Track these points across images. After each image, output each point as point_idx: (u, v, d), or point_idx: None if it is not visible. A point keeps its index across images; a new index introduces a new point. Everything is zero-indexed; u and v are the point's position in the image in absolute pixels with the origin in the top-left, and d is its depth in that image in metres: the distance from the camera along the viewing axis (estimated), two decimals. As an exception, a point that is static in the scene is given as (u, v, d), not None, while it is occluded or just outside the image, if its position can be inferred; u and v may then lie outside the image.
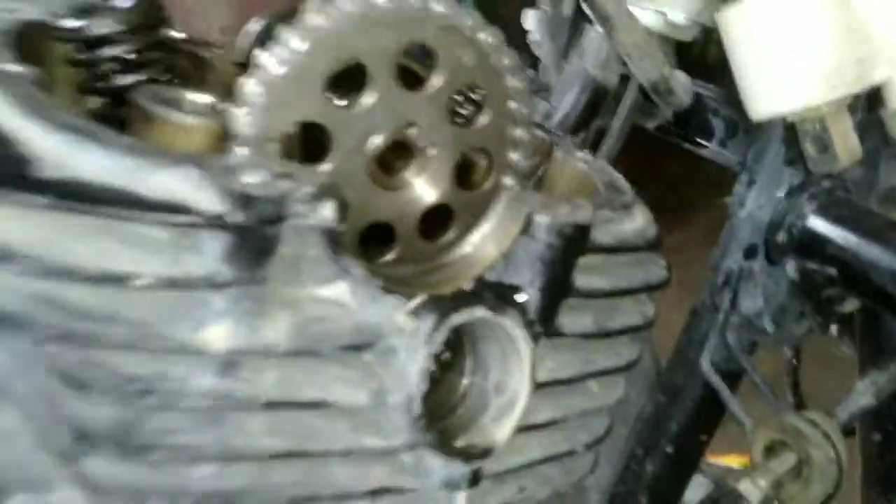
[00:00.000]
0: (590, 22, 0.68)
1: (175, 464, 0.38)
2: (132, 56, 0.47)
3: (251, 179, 0.33)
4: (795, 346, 0.70)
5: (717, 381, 0.63)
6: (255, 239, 0.33)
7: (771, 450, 0.58)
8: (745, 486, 0.57)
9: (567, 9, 0.72)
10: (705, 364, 0.63)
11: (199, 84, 0.50)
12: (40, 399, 0.38)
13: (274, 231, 0.34)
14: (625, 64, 0.64)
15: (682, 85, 0.56)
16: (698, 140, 0.73)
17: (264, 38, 0.51)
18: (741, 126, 0.68)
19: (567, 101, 0.74)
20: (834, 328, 0.81)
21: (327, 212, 0.35)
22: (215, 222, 0.32)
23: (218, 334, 0.35)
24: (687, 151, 0.76)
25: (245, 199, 0.32)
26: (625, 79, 0.72)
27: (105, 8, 0.47)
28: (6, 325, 0.35)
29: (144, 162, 0.32)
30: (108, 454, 0.38)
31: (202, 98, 0.44)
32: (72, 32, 0.46)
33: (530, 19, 0.81)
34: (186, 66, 0.52)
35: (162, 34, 0.49)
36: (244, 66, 0.50)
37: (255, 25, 0.54)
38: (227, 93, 0.46)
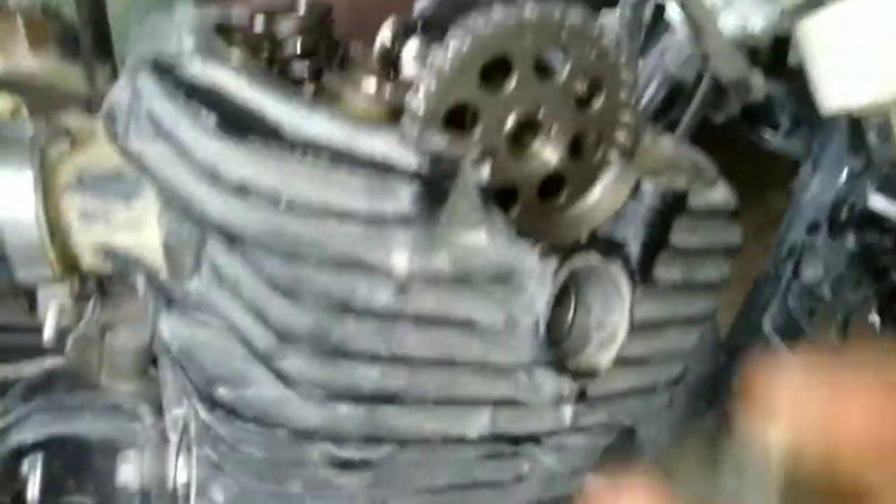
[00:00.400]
0: (669, 29, 0.78)
1: (352, 365, 0.49)
2: (306, 49, 0.57)
3: (436, 144, 0.44)
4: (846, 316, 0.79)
5: (777, 341, 0.72)
6: (435, 189, 0.44)
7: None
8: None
9: (647, 13, 0.82)
10: (767, 327, 0.72)
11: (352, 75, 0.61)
12: (249, 309, 0.50)
13: (448, 184, 0.44)
14: (703, 64, 0.73)
15: (759, 83, 0.64)
16: (764, 133, 0.82)
17: (399, 37, 0.61)
18: (804, 120, 0.76)
19: (646, 95, 0.83)
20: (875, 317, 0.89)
21: (484, 172, 0.46)
22: (409, 174, 0.43)
23: (401, 260, 0.45)
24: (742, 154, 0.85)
25: (434, 158, 0.43)
26: (699, 76, 0.81)
27: (287, 11, 0.58)
28: (241, 244, 0.46)
29: (358, 127, 0.43)
30: (302, 355, 0.49)
31: (370, 84, 0.54)
32: (261, 30, 0.57)
33: (607, 17, 0.91)
34: (341, 57, 0.62)
35: (329, 32, 0.59)
36: (383, 61, 0.61)
37: (388, 27, 0.64)
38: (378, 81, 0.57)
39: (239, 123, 0.43)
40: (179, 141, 0.45)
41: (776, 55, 0.72)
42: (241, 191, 0.43)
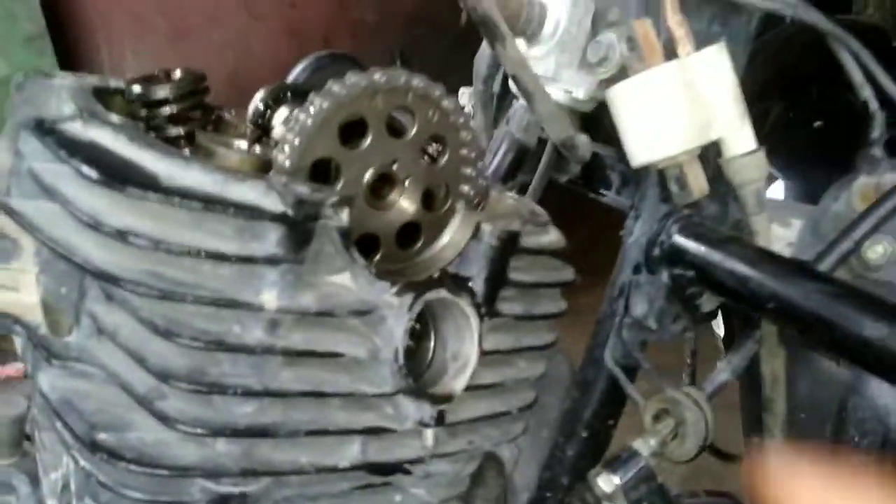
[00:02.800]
0: (515, 97, 0.89)
1: (229, 401, 0.53)
2: (179, 114, 0.63)
3: (300, 190, 0.50)
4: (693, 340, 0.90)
5: (618, 372, 0.80)
6: (300, 231, 0.50)
7: (657, 417, 0.75)
8: (637, 444, 0.74)
9: (496, 87, 0.92)
10: (608, 360, 0.81)
11: (225, 136, 0.67)
12: (128, 354, 0.53)
13: (311, 227, 0.50)
14: (542, 129, 0.84)
15: (584, 143, 0.75)
16: (600, 190, 0.93)
17: (270, 104, 0.68)
18: (629, 177, 0.88)
19: (496, 159, 0.93)
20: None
21: (344, 215, 0.52)
22: (276, 217, 0.49)
23: (270, 297, 0.50)
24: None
25: (298, 202, 0.49)
26: (542, 142, 0.92)
27: (163, 78, 0.63)
28: (120, 290, 0.50)
29: (228, 177, 0.49)
30: (180, 394, 0.52)
31: (241, 143, 0.60)
32: (137, 94, 0.62)
33: (465, 96, 1.02)
34: (214, 122, 0.68)
35: (202, 99, 0.65)
36: (255, 125, 0.67)
37: (260, 95, 0.71)
38: (249, 142, 0.63)
39: (118, 176, 0.47)
40: (62, 195, 0.49)
41: (603, 120, 0.83)
42: (122, 237, 0.47)
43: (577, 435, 0.87)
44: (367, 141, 0.56)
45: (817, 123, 1.13)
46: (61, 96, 0.55)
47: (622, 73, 0.71)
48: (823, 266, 0.66)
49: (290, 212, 0.49)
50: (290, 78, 0.89)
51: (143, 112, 0.62)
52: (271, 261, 0.50)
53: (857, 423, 0.88)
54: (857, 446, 0.87)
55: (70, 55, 2.06)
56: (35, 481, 0.72)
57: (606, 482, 0.73)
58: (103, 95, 0.60)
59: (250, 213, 0.48)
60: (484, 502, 0.83)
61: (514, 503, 0.96)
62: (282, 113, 0.65)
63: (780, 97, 1.12)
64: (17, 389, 0.77)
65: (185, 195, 0.47)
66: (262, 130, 0.66)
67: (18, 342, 0.61)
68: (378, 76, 0.55)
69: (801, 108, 1.11)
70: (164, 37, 2.07)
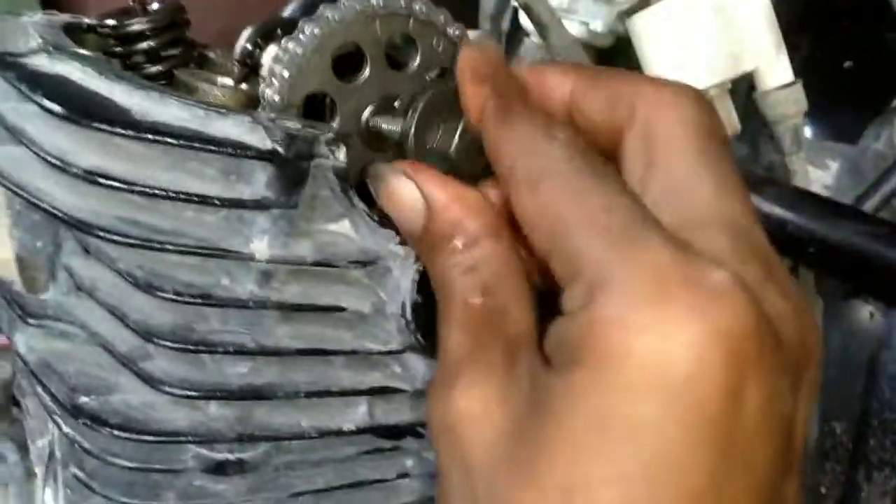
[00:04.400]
0: (526, 34, 0.82)
1: (219, 361, 0.49)
2: (158, 50, 0.57)
3: (290, 125, 0.44)
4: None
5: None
6: (291, 171, 0.45)
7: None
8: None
9: (505, 24, 0.86)
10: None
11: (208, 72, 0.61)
12: (108, 311, 0.48)
13: (304, 167, 0.45)
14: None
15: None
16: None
17: (259, 41, 0.62)
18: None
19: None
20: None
21: (341, 154, 0.47)
22: (264, 156, 0.43)
23: (261, 246, 0.45)
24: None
25: (288, 138, 0.43)
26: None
27: (138, 10, 0.58)
28: (95, 240, 0.45)
29: (209, 112, 0.43)
30: (166, 353, 0.48)
31: (226, 80, 0.55)
32: (111, 29, 0.56)
33: (473, 37, 0.96)
34: (198, 60, 0.62)
35: (182, 33, 0.59)
36: (242, 63, 0.62)
37: (248, 32, 0.65)
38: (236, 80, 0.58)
39: (86, 111, 0.42)
40: (27, 136, 0.44)
41: (618, 58, 0.78)
42: (90, 179, 0.42)
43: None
44: (365, 73, 0.51)
45: (847, 63, 1.06)
46: (28, 32, 0.50)
47: (643, 2, 0.65)
48: (867, 207, 0.61)
49: (279, 149, 0.43)
50: (283, 14, 0.83)
51: (119, 49, 0.56)
52: (261, 205, 0.45)
53: (889, 379, 0.84)
54: (888, 402, 0.83)
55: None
56: (24, 449, 0.68)
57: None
58: (76, 33, 0.55)
59: (234, 151, 0.43)
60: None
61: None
62: (271, 50, 0.60)
63: (809, 34, 1.05)
64: (3, 355, 0.73)
65: (160, 132, 0.42)
66: (250, 69, 0.60)
67: (-7, 301, 0.56)
68: (376, 1, 0.49)
69: (830, 47, 1.05)
70: (156, -6, 1.99)
